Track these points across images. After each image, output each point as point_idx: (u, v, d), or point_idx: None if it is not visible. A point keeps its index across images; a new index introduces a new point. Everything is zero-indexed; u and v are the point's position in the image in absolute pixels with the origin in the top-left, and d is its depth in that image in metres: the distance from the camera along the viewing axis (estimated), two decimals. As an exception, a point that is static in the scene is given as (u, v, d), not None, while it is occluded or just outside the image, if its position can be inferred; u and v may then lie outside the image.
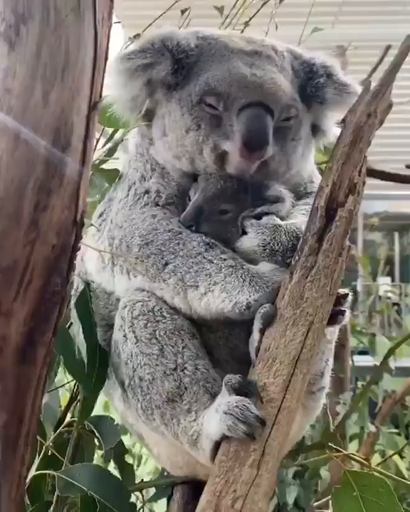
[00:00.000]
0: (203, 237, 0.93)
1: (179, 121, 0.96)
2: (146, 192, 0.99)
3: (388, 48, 1.02)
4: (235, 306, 0.88)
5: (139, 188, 1.00)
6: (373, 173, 3.38)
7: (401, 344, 1.29)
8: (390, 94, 0.99)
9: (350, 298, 0.92)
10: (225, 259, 0.91)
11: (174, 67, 0.95)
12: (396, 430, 2.92)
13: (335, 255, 0.90)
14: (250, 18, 1.73)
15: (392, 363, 2.90)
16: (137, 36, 1.86)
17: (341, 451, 1.10)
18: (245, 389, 0.85)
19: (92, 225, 0.98)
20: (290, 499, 2.32)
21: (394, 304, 5.22)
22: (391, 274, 7.28)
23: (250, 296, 0.88)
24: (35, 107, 0.66)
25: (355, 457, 1.10)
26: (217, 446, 0.87)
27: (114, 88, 0.95)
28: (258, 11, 1.76)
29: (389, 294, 5.14)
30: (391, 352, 1.33)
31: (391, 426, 3.03)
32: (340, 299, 0.90)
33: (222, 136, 0.94)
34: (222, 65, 0.95)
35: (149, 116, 1.01)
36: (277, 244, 0.91)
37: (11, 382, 0.67)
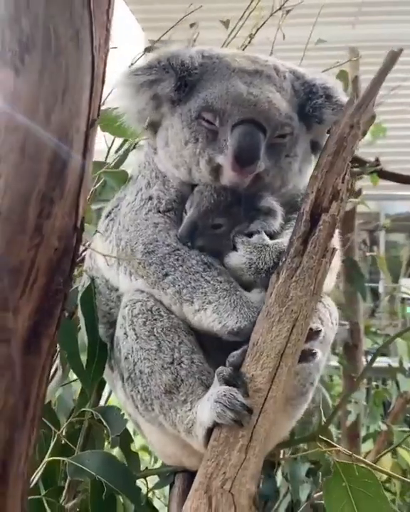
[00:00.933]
0: (202, 257, 1.00)
1: (179, 133, 1.03)
2: (150, 198, 1.07)
3: (398, 53, 1.07)
4: (223, 327, 0.96)
5: (144, 194, 1.08)
6: (386, 175, 3.43)
7: (394, 340, 1.35)
8: (373, 106, 1.06)
9: (322, 335, 0.98)
10: (221, 282, 0.98)
11: (178, 84, 1.02)
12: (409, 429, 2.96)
13: (319, 257, 0.98)
14: (258, 29, 1.80)
15: (407, 364, 2.94)
16: (154, 43, 1.96)
17: (332, 444, 1.17)
18: (235, 380, 0.93)
19: (97, 231, 1.06)
20: (303, 496, 2.37)
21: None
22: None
23: (237, 323, 0.96)
24: (39, 126, 0.74)
25: (344, 450, 1.16)
26: (209, 432, 0.94)
27: (123, 100, 1.03)
28: (265, 21, 1.83)
29: (411, 295, 5.13)
30: (385, 345, 1.39)
31: (404, 425, 3.07)
32: (313, 335, 0.97)
33: (217, 149, 1.00)
34: (222, 83, 1.01)
35: (155, 127, 1.09)
36: (262, 264, 0.99)
37: (17, 370, 0.75)
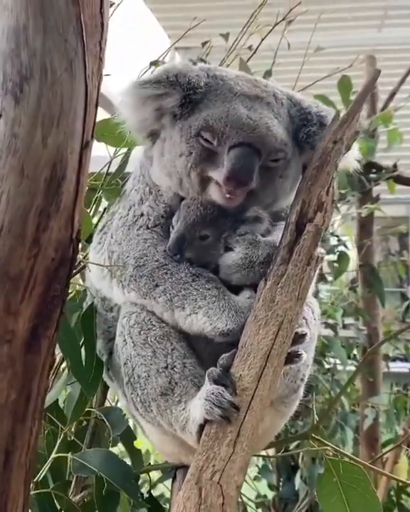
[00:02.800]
0: (190, 269, 1.07)
1: (176, 146, 1.08)
2: (141, 215, 1.13)
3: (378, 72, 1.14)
4: (213, 329, 1.03)
5: (137, 210, 1.14)
6: (405, 181, 3.45)
7: (393, 337, 1.39)
8: (357, 122, 1.12)
9: (308, 338, 1.05)
10: (209, 289, 1.05)
11: (182, 101, 1.06)
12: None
13: (303, 264, 1.04)
14: (262, 40, 1.85)
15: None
16: (181, 50, 2.01)
17: (323, 442, 1.22)
18: (223, 380, 1.00)
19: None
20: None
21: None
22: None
23: (226, 325, 1.02)
24: (36, 148, 0.82)
25: (336, 448, 1.22)
26: (201, 429, 1.01)
27: (127, 109, 1.08)
28: (271, 31, 1.88)
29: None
30: (383, 342, 1.43)
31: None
32: (298, 338, 1.03)
33: (212, 167, 1.05)
34: (224, 105, 1.05)
35: (153, 137, 1.14)
36: (255, 257, 1.05)
37: (19, 367, 0.84)
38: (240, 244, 1.07)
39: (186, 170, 1.07)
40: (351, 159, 1.16)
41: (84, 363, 1.11)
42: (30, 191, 0.82)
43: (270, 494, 3.07)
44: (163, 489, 1.96)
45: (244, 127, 1.03)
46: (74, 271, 1.03)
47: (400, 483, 2.68)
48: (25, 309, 0.84)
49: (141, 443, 2.21)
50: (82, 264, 1.17)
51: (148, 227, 1.12)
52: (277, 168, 1.08)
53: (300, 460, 2.84)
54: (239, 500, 1.70)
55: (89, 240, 1.25)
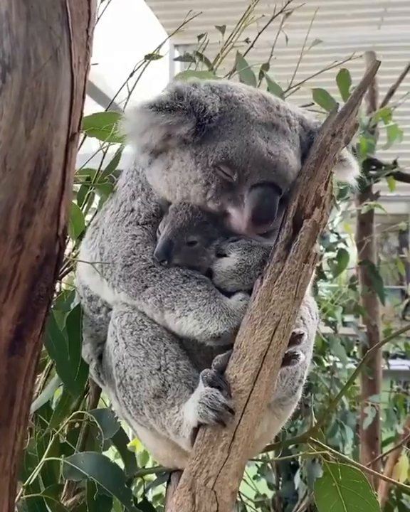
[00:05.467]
0: (180, 270, 1.03)
1: (189, 171, 1.03)
2: (132, 210, 1.10)
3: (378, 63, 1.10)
4: (203, 333, 1.00)
5: (128, 206, 1.10)
6: (405, 178, 3.43)
7: (394, 336, 1.36)
8: (356, 115, 1.08)
9: (305, 338, 1.02)
10: (200, 291, 1.01)
11: (196, 130, 1.00)
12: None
13: (300, 262, 1.01)
14: (260, 33, 1.82)
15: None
16: (182, 58, 1.99)
17: (321, 445, 1.19)
18: (218, 382, 0.96)
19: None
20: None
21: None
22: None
23: (217, 329, 0.99)
24: (19, 141, 0.79)
25: (335, 452, 1.19)
26: (195, 432, 0.98)
27: (131, 128, 1.01)
28: (269, 23, 1.85)
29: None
30: (382, 343, 1.39)
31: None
32: (296, 338, 1.00)
33: (231, 201, 1.02)
34: (241, 136, 1.00)
35: (156, 151, 1.06)
36: (251, 261, 1.02)
37: (2, 370, 0.80)
38: (235, 250, 1.03)
39: (202, 199, 1.03)
40: (351, 177, 1.13)
41: (69, 363, 1.07)
42: (12, 185, 0.78)
43: (270, 493, 3.05)
44: (162, 489, 1.93)
45: (265, 164, 1.00)
46: (62, 269, 1.00)
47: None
48: (9, 309, 0.80)
49: (139, 444, 2.18)
50: (71, 262, 1.12)
51: (138, 223, 1.09)
52: (286, 198, 1.04)
53: (299, 459, 2.81)
54: (238, 499, 1.67)
55: (81, 238, 1.21)
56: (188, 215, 1.03)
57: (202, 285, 1.02)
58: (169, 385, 1.03)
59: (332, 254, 3.11)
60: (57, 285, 1.17)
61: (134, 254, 1.05)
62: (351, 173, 1.12)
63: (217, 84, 1.06)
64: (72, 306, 1.12)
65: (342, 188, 2.73)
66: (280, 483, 3.08)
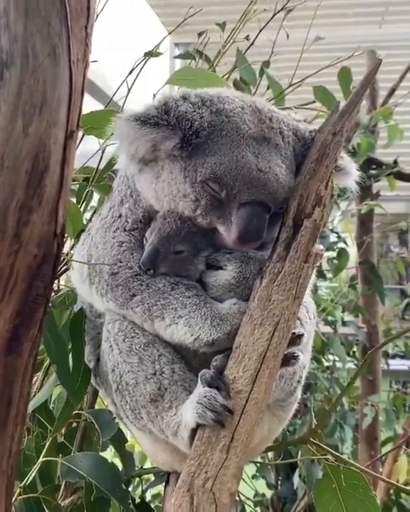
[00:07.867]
0: (168, 278, 1.01)
1: (178, 184, 1.00)
2: (120, 216, 1.08)
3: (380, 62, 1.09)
4: (195, 340, 0.98)
5: (116, 211, 1.09)
6: (405, 177, 3.42)
7: (395, 338, 1.36)
8: (357, 113, 1.07)
9: (305, 339, 1.00)
10: (189, 297, 0.99)
11: (182, 144, 0.97)
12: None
13: (300, 262, 0.99)
14: (261, 30, 1.81)
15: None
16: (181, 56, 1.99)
17: (322, 447, 1.18)
18: (216, 382, 0.95)
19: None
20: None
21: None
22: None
23: (210, 335, 0.97)
24: (17, 138, 0.78)
25: (335, 453, 1.18)
26: (194, 433, 0.97)
27: (118, 138, 0.98)
28: (270, 20, 1.84)
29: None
30: (383, 345, 1.39)
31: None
32: (295, 339, 0.99)
33: (220, 218, 0.99)
34: (231, 151, 0.97)
35: (145, 160, 1.03)
36: (248, 273, 1.00)
37: (-1, 370, 0.79)
38: (232, 263, 1.01)
39: (191, 214, 1.01)
40: (351, 181, 1.10)
41: (71, 369, 1.06)
42: (10, 183, 0.78)
43: (269, 493, 3.05)
44: (161, 488, 1.92)
45: (254, 182, 0.97)
46: (60, 268, 0.99)
47: (399, 483, 2.64)
48: (6, 308, 0.79)
49: (136, 443, 2.17)
50: (68, 261, 1.11)
51: (125, 230, 1.06)
52: (281, 215, 1.02)
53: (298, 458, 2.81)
54: (237, 498, 1.66)
55: (79, 236, 1.20)
56: (176, 224, 1.01)
57: (191, 291, 1.00)
58: (166, 389, 1.01)
59: (332, 254, 3.11)
60: (55, 284, 1.16)
61: (121, 262, 1.03)
62: (350, 178, 1.09)
63: (208, 96, 1.02)
64: (75, 309, 1.11)
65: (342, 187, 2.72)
66: (279, 482, 3.07)
